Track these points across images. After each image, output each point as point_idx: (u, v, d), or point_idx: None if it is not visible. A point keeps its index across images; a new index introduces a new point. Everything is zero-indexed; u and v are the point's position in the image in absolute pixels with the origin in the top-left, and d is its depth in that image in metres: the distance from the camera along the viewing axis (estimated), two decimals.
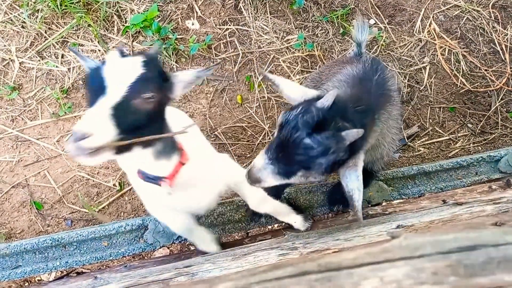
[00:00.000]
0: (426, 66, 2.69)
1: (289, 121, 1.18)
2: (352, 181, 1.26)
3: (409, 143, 2.55)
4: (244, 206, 1.96)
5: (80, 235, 1.74)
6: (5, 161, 2.29)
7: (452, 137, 2.59)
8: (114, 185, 2.31)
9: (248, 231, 2.09)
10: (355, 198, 1.27)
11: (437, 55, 2.72)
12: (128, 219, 2.08)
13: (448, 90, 2.68)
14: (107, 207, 2.29)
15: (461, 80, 2.68)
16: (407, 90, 2.64)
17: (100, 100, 0.96)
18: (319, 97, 1.25)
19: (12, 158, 2.29)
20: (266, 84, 2.57)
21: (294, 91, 1.33)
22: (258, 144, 2.47)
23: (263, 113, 2.53)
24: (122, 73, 1.01)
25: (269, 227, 2.08)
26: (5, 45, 2.44)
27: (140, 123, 1.00)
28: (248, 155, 2.46)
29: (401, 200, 2.08)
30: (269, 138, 2.48)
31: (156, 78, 1.05)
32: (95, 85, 1.00)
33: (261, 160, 1.22)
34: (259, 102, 2.54)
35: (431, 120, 2.62)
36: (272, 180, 1.22)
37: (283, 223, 1.99)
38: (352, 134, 1.16)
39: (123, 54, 1.08)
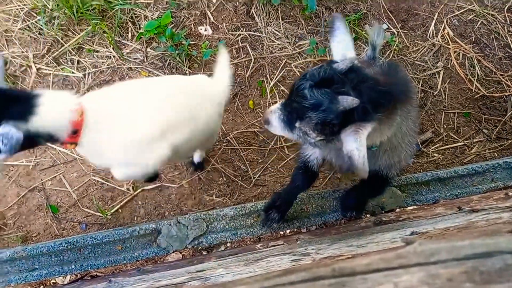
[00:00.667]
0: (440, 71, 2.67)
1: (305, 74, 1.24)
2: (349, 142, 1.20)
3: (423, 148, 2.53)
4: (256, 212, 1.96)
5: (94, 239, 1.77)
6: (22, 165, 2.34)
7: (467, 143, 2.56)
8: (127, 189, 2.34)
9: (260, 236, 2.09)
10: (354, 157, 1.18)
11: (451, 60, 2.70)
12: (142, 223, 2.10)
13: (463, 95, 2.65)
14: (120, 210, 2.32)
15: (476, 85, 2.65)
16: (421, 95, 2.61)
17: None
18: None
19: (29, 162, 2.34)
20: (278, 89, 2.58)
21: (338, 51, 1.33)
22: (270, 149, 2.48)
23: None
24: None
25: (281, 232, 2.08)
26: (22, 52, 2.50)
27: None
28: (260, 160, 2.47)
29: (415, 207, 2.05)
30: (281, 144, 2.49)
31: None
32: None
33: (276, 105, 1.31)
34: (271, 107, 2.55)
35: (445, 126, 2.59)
36: (277, 125, 1.30)
37: (295, 229, 1.99)
38: (347, 100, 1.15)
39: None
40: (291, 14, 2.70)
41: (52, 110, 1.27)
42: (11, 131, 1.19)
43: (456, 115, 2.61)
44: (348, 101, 1.15)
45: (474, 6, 2.80)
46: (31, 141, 1.28)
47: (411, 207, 2.05)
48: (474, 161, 2.50)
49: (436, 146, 2.55)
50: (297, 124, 1.25)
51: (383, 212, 2.03)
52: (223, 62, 1.86)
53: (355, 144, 1.19)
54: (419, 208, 2.00)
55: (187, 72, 2.53)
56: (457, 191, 2.10)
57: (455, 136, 2.57)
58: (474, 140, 2.57)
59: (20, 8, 2.54)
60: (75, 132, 1.32)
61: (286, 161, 2.47)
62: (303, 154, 1.75)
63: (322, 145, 1.41)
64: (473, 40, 2.73)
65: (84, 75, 2.48)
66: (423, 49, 2.71)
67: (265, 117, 1.35)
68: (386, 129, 1.34)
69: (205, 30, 2.64)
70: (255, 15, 2.68)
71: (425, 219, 1.68)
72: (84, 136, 1.33)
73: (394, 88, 1.34)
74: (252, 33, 2.65)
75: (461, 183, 2.13)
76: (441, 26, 2.75)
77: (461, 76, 2.67)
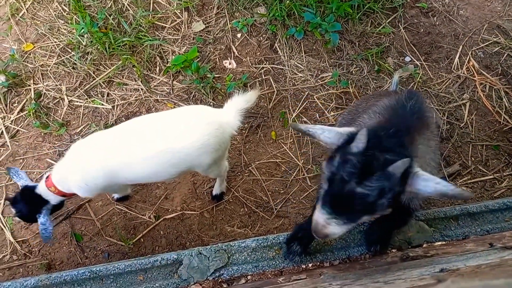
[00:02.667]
0: (466, 102, 2.63)
1: (334, 174, 1.19)
2: (426, 187, 1.18)
3: (450, 182, 2.45)
4: (278, 244, 1.92)
5: (117, 268, 1.77)
6: None
7: (497, 176, 2.47)
8: (150, 218, 2.36)
9: (282, 270, 2.04)
10: (443, 190, 1.16)
11: (477, 92, 2.66)
12: (163, 253, 2.10)
13: (491, 128, 2.59)
14: (142, 240, 2.33)
15: (504, 117, 2.59)
16: (447, 127, 2.57)
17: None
18: (352, 135, 1.25)
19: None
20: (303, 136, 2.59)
21: (330, 135, 1.32)
22: (292, 180, 2.47)
23: (297, 149, 2.53)
24: None
25: (304, 266, 2.03)
26: (56, 85, 2.63)
27: None
28: (282, 191, 2.45)
29: (444, 242, 1.97)
30: (303, 175, 2.47)
31: None
32: None
33: (322, 216, 1.24)
34: (293, 138, 2.56)
35: (473, 158, 2.52)
36: (339, 230, 1.25)
37: (318, 263, 1.94)
38: (398, 166, 1.14)
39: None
40: (314, 47, 2.76)
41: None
42: (47, 222, 1.91)
43: (484, 147, 2.54)
44: (399, 166, 1.15)
45: (499, 38, 2.78)
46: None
47: (440, 243, 1.97)
48: (505, 195, 2.41)
49: (464, 179, 2.47)
50: (365, 218, 1.24)
51: (410, 247, 1.95)
52: (243, 98, 1.90)
53: (433, 183, 1.18)
54: (448, 244, 1.92)
55: (212, 103, 2.59)
56: (488, 227, 2.01)
57: (484, 169, 2.49)
58: (504, 174, 2.48)
59: (56, 44, 2.70)
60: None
61: (308, 192, 2.44)
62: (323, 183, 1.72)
63: None
64: (499, 72, 2.70)
65: (113, 106, 2.58)
66: (447, 81, 2.69)
67: (321, 234, 1.26)
68: (414, 148, 1.34)
69: (230, 63, 2.72)
70: (278, 49, 2.75)
71: (455, 256, 1.61)
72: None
73: (405, 121, 1.37)
74: (275, 66, 2.71)
75: (492, 218, 2.04)
76: (465, 59, 2.74)
77: (488, 108, 2.62)
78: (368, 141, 1.19)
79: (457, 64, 2.73)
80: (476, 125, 2.59)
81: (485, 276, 1.05)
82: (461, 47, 2.76)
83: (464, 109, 2.62)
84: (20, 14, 2.78)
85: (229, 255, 1.86)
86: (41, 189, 1.86)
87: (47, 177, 1.84)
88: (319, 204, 1.26)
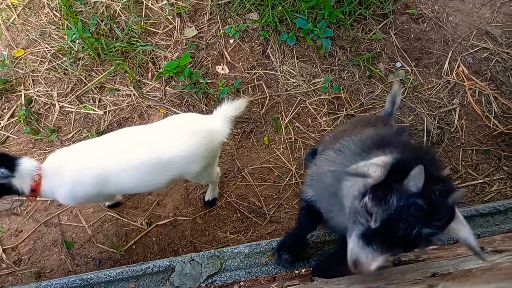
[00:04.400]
0: (456, 107, 2.66)
1: (393, 216, 1.11)
2: (460, 231, 1.18)
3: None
4: (271, 250, 1.92)
5: (108, 276, 1.75)
6: (40, 201, 2.38)
7: (487, 180, 2.50)
8: (141, 224, 2.34)
9: (275, 275, 2.03)
10: (472, 244, 1.17)
11: (467, 97, 2.69)
12: (155, 259, 2.08)
13: (481, 132, 2.62)
14: (134, 246, 2.31)
15: (493, 121, 2.62)
16: (437, 132, 2.60)
17: None
18: (395, 166, 1.17)
19: (46, 198, 2.37)
20: (293, 125, 2.60)
21: (377, 170, 1.19)
22: (284, 185, 2.47)
23: (289, 154, 2.54)
24: None
25: (296, 271, 2.03)
26: (47, 91, 2.61)
27: None
28: (275, 196, 2.45)
29: (435, 246, 1.98)
30: (296, 180, 2.47)
31: None
32: None
33: (368, 254, 1.16)
34: (285, 143, 2.56)
35: (463, 163, 2.54)
36: (382, 263, 1.18)
37: (311, 268, 1.94)
38: (457, 197, 1.12)
39: None
40: (306, 53, 2.77)
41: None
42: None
43: (474, 152, 2.57)
44: (458, 196, 1.13)
45: (488, 44, 2.82)
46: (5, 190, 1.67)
47: (431, 247, 1.98)
48: (495, 199, 2.43)
49: (455, 183, 2.49)
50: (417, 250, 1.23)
51: (401, 252, 1.97)
52: (232, 105, 1.90)
53: (465, 229, 1.18)
54: (440, 248, 1.93)
55: (204, 109, 2.59)
56: (478, 231, 2.03)
57: (474, 174, 2.52)
58: (494, 178, 2.51)
59: (48, 50, 2.68)
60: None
61: None
62: (304, 195, 1.65)
63: None
64: (488, 77, 2.74)
65: (105, 112, 2.56)
66: (438, 86, 2.72)
67: (367, 271, 1.16)
68: None
69: (222, 69, 2.73)
70: (270, 54, 2.76)
71: (447, 260, 1.62)
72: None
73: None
74: (268, 71, 2.72)
75: (483, 222, 2.06)
76: (455, 64, 2.77)
77: (478, 113, 2.65)
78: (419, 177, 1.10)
79: (447, 69, 2.76)
80: (466, 129, 2.62)
81: (476, 280, 1.06)
82: (450, 52, 2.80)
83: (454, 114, 2.65)
84: (11, 20, 2.76)
85: (222, 261, 1.86)
86: (25, 163, 1.68)
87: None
88: (358, 240, 1.17)
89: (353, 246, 1.17)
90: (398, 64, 2.77)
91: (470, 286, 0.66)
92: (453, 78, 2.74)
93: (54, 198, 1.76)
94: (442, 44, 2.83)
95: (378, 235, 1.13)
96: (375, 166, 1.17)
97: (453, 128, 2.61)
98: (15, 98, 2.58)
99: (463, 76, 2.74)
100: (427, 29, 2.88)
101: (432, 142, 2.57)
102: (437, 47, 2.83)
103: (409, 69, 2.75)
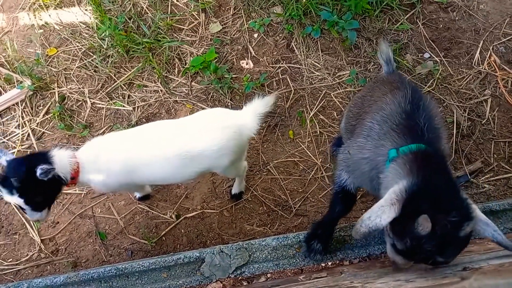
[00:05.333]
0: (488, 98, 2.59)
1: (410, 250, 1.28)
2: (485, 231, 1.30)
3: (472, 179, 2.42)
4: (299, 242, 1.94)
5: (141, 266, 1.82)
6: (75, 194, 2.48)
7: None
8: (171, 217, 2.40)
9: (302, 268, 2.05)
10: (499, 239, 1.28)
11: (499, 88, 2.61)
12: (186, 251, 2.14)
13: None
14: (164, 238, 2.38)
15: None
16: (468, 124, 2.53)
17: None
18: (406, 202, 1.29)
19: (81, 190, 2.47)
20: (318, 119, 2.60)
21: (389, 215, 1.31)
22: (310, 178, 2.48)
23: (315, 147, 2.54)
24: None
25: (323, 264, 2.04)
26: (79, 88, 2.71)
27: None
28: (300, 190, 2.46)
29: None
30: (322, 174, 2.48)
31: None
32: None
33: (401, 260, 1.37)
34: (311, 137, 2.57)
35: (495, 155, 2.48)
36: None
37: (338, 261, 1.95)
38: (468, 232, 1.25)
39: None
40: (331, 46, 2.75)
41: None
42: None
43: (507, 144, 2.50)
44: (468, 230, 1.26)
45: None
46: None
47: None
48: None
49: (487, 176, 2.43)
50: None
51: None
52: (262, 101, 1.92)
53: (489, 228, 1.31)
54: (471, 242, 1.89)
55: (229, 104, 2.62)
56: (511, 224, 1.98)
57: (506, 167, 2.45)
58: None
59: (79, 48, 2.78)
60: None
61: (327, 191, 2.45)
62: (338, 179, 1.73)
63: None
64: None
65: (134, 108, 2.64)
66: (468, 77, 2.65)
67: (404, 267, 1.42)
68: None
69: (247, 64, 2.75)
70: (295, 48, 2.76)
71: (478, 254, 1.59)
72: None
73: (425, 131, 1.46)
74: (292, 65, 2.72)
75: None
76: (486, 54, 2.69)
77: (511, 104, 2.57)
78: (429, 212, 1.22)
79: (478, 59, 2.68)
80: (498, 121, 2.55)
81: (508, 275, 1.05)
82: (481, 42, 2.72)
83: (486, 105, 2.58)
84: (44, 20, 2.86)
85: (250, 253, 1.89)
86: (58, 153, 1.70)
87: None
88: (391, 248, 1.37)
89: (389, 249, 1.39)
90: (427, 55, 2.71)
91: (503, 280, 0.66)
92: (484, 68, 2.66)
93: (90, 185, 1.82)
94: (473, 33, 2.75)
95: (405, 256, 1.33)
96: (388, 209, 1.29)
97: (485, 120, 2.54)
98: (49, 95, 2.69)
99: (495, 66, 2.65)
100: (456, 18, 2.80)
101: (463, 135, 2.52)
102: (467, 36, 2.75)
103: (438, 60, 2.69)
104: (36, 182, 1.58)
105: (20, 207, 1.70)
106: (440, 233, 1.21)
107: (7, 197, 1.61)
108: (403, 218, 1.27)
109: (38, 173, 1.55)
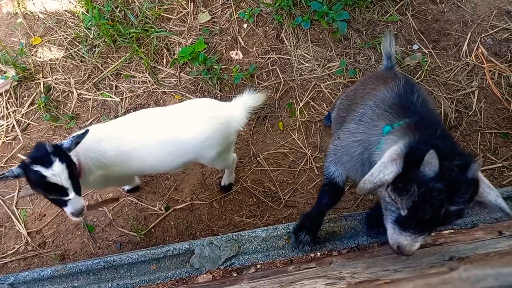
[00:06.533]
0: (475, 90, 2.61)
1: (419, 202, 1.16)
2: (489, 194, 1.20)
3: None
4: (288, 233, 1.95)
5: (130, 258, 1.80)
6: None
7: (506, 164, 2.47)
8: (160, 208, 2.39)
9: (292, 259, 2.06)
10: (502, 205, 1.20)
11: (486, 79, 2.64)
12: (175, 243, 2.13)
13: (500, 115, 2.57)
14: (153, 230, 2.36)
15: None
16: (455, 115, 2.56)
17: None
18: (408, 155, 1.21)
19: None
20: (308, 110, 2.60)
21: (392, 170, 1.24)
22: (299, 170, 2.48)
23: (304, 139, 2.54)
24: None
25: (312, 255, 2.05)
26: (65, 78, 2.65)
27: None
28: (290, 181, 2.47)
29: (453, 231, 1.98)
30: (311, 165, 2.48)
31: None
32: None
33: (407, 238, 1.24)
34: (300, 128, 2.57)
35: (482, 147, 2.51)
36: (423, 241, 1.26)
37: (327, 252, 1.96)
38: (475, 169, 1.14)
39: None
40: (320, 37, 2.74)
41: None
42: None
43: (493, 135, 2.53)
44: (476, 169, 1.15)
45: (509, 24, 2.75)
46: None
47: (448, 231, 1.98)
48: None
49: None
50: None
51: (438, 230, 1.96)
52: (252, 96, 1.92)
53: (492, 192, 1.20)
54: (457, 232, 1.93)
55: (219, 95, 2.60)
56: (497, 215, 2.02)
57: (492, 157, 2.49)
58: None
59: (64, 38, 2.71)
60: None
61: (316, 182, 2.46)
62: (326, 171, 1.73)
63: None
64: (509, 59, 2.67)
65: (122, 99, 2.60)
66: (456, 68, 2.67)
67: (410, 253, 1.24)
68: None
69: (236, 54, 2.72)
70: (284, 39, 2.74)
71: (464, 244, 1.62)
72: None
73: (420, 112, 1.39)
74: (282, 56, 2.71)
75: None
76: (474, 46, 2.71)
77: (497, 95, 2.60)
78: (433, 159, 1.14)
79: (466, 51, 2.70)
80: (485, 113, 2.58)
81: (495, 264, 1.07)
82: (469, 34, 2.73)
83: (473, 97, 2.61)
84: (28, 8, 2.79)
85: (240, 244, 1.90)
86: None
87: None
88: (395, 227, 1.25)
89: (391, 233, 1.26)
90: (415, 47, 2.72)
91: (491, 269, 0.67)
92: (472, 60, 2.68)
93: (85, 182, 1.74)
94: (461, 25, 2.77)
95: (410, 220, 1.20)
96: (390, 164, 1.22)
97: (472, 112, 2.57)
98: (34, 86, 2.63)
99: (482, 58, 2.68)
100: (445, 10, 2.81)
101: (450, 126, 2.54)
102: (456, 28, 2.76)
103: (427, 52, 2.70)
104: (67, 154, 1.52)
105: (58, 191, 1.50)
106: (448, 176, 1.13)
107: (47, 171, 1.45)
108: (405, 175, 1.19)
109: (65, 144, 1.52)
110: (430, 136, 1.26)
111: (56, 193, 1.51)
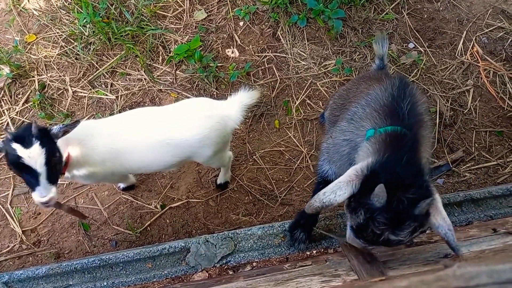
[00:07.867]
0: (470, 89, 2.63)
1: (364, 226, 1.24)
2: (439, 227, 1.24)
3: (453, 168, 2.47)
4: (284, 231, 1.95)
5: (126, 256, 1.80)
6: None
7: (501, 162, 2.48)
8: (156, 207, 2.38)
9: (287, 256, 2.07)
10: (450, 239, 1.23)
11: (481, 78, 2.65)
12: (171, 241, 2.13)
13: (495, 113, 2.59)
14: (149, 228, 2.36)
15: (508, 102, 2.59)
16: (450, 114, 2.57)
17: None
18: (366, 177, 1.26)
19: (63, 181, 2.43)
20: (304, 108, 2.60)
21: (345, 191, 1.29)
22: (295, 168, 2.48)
23: (300, 137, 2.54)
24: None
25: (308, 252, 2.06)
26: (60, 76, 2.63)
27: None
28: (286, 179, 2.47)
29: None
30: (307, 163, 2.49)
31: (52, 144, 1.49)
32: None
33: (358, 243, 1.35)
34: (296, 126, 2.57)
35: (476, 145, 2.52)
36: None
37: (323, 249, 1.97)
38: (423, 207, 1.17)
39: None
40: (316, 35, 2.74)
41: None
42: None
43: (488, 133, 2.55)
44: (424, 206, 1.18)
45: (504, 23, 2.76)
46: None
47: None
48: (509, 181, 2.42)
49: (468, 165, 2.48)
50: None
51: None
52: (247, 94, 1.91)
53: (444, 225, 1.23)
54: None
55: (215, 93, 2.59)
56: (491, 212, 2.03)
57: (487, 155, 2.50)
58: (508, 160, 2.49)
59: (59, 35, 2.69)
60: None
61: (312, 180, 2.46)
62: (320, 169, 1.74)
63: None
64: (503, 57, 2.69)
65: (117, 97, 2.58)
66: (451, 67, 2.68)
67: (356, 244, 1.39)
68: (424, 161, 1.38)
69: (232, 52, 2.71)
70: (281, 37, 2.74)
71: (459, 241, 1.62)
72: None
73: (406, 117, 1.41)
74: (278, 54, 2.70)
75: (496, 204, 2.06)
76: (469, 44, 2.72)
77: (492, 94, 2.62)
78: (387, 185, 1.18)
79: (461, 50, 2.71)
80: (479, 111, 2.59)
81: (489, 261, 1.07)
82: (465, 32, 2.74)
83: (468, 95, 2.62)
84: (22, 5, 2.76)
85: (236, 242, 1.90)
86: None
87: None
88: (350, 231, 1.34)
89: (348, 234, 1.37)
90: (411, 45, 2.73)
91: (486, 266, 0.68)
92: (467, 59, 2.69)
93: (75, 176, 1.75)
94: (456, 24, 2.78)
95: (359, 234, 1.29)
96: (345, 186, 1.28)
97: (467, 110, 2.59)
98: (28, 83, 2.61)
99: (478, 56, 2.69)
100: (441, 9, 2.82)
101: (445, 124, 2.55)
102: (451, 27, 2.77)
103: (422, 50, 2.71)
104: (52, 141, 1.49)
105: (30, 173, 1.45)
106: (394, 208, 1.17)
107: (24, 151, 1.41)
108: (360, 194, 1.25)
109: (54, 129, 1.50)
110: (395, 162, 1.28)
111: (27, 175, 1.47)
